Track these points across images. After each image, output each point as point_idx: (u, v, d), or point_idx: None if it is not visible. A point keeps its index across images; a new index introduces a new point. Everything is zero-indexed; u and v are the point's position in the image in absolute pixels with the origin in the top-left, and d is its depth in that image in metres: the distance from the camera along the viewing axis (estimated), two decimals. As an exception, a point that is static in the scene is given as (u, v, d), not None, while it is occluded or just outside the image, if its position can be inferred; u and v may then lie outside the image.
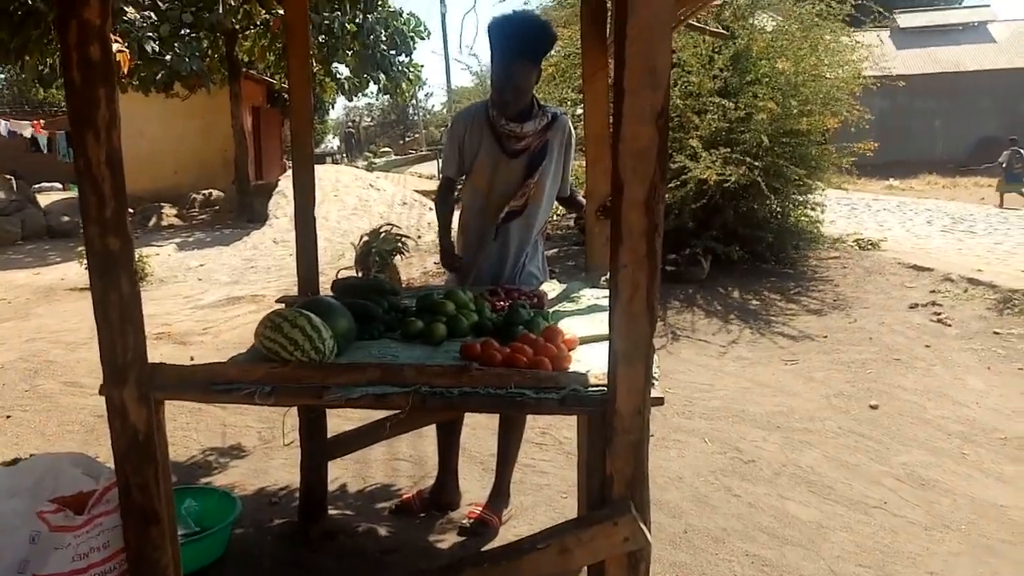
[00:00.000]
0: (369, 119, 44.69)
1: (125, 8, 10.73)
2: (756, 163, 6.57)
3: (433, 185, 17.53)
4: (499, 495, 3.10)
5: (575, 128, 3.07)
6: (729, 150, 6.57)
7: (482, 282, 2.96)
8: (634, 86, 1.53)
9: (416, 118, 41.64)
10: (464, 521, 3.02)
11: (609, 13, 2.98)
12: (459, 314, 2.34)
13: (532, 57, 2.76)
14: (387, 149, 35.04)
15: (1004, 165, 15.18)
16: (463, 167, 2.97)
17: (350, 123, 39.23)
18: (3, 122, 14.64)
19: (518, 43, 2.72)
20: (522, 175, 2.88)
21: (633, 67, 1.52)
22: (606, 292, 2.77)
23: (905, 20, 25.23)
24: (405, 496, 3.25)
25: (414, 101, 38.52)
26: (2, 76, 24.19)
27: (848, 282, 7.03)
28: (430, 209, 13.00)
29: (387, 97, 22.61)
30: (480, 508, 3.06)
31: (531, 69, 2.77)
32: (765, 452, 3.74)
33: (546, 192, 2.95)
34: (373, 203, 13.24)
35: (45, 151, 14.72)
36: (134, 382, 1.85)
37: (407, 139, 39.87)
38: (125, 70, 3.82)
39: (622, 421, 1.65)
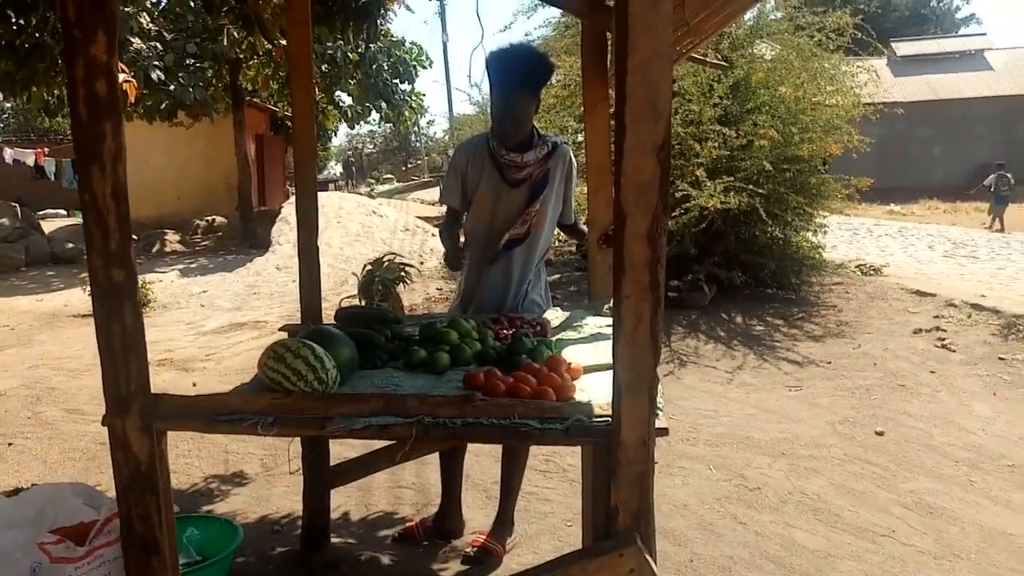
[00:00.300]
0: (372, 146, 45.02)
1: (131, 39, 10.88)
2: (759, 190, 6.60)
3: (435, 211, 17.62)
4: (503, 523, 3.07)
5: (576, 156, 3.10)
6: (732, 178, 6.60)
7: (484, 310, 2.96)
8: (635, 119, 1.54)
9: (418, 145, 41.94)
10: (468, 549, 3.00)
11: (610, 44, 3.02)
12: (462, 343, 2.34)
13: (531, 88, 2.79)
14: (389, 176, 35.24)
15: (992, 189, 15.72)
16: (467, 198, 2.99)
17: (350, 151, 39.56)
18: (8, 150, 14.76)
19: (517, 75, 2.75)
20: (524, 204, 2.90)
21: (634, 101, 1.54)
22: (609, 320, 2.77)
23: (902, 49, 25.47)
24: (408, 524, 3.23)
25: (416, 128, 38.85)
26: (8, 105, 24.45)
27: (851, 308, 7.03)
28: (432, 235, 13.03)
29: (389, 125, 22.78)
30: (484, 536, 3.03)
31: (530, 100, 2.79)
32: (771, 479, 3.72)
33: (548, 220, 2.97)
34: (376, 229, 13.28)
35: (52, 178, 14.83)
36: (137, 412, 1.85)
37: (409, 166, 40.12)
38: (132, 100, 3.85)
39: (626, 452, 1.64)
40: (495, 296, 3.00)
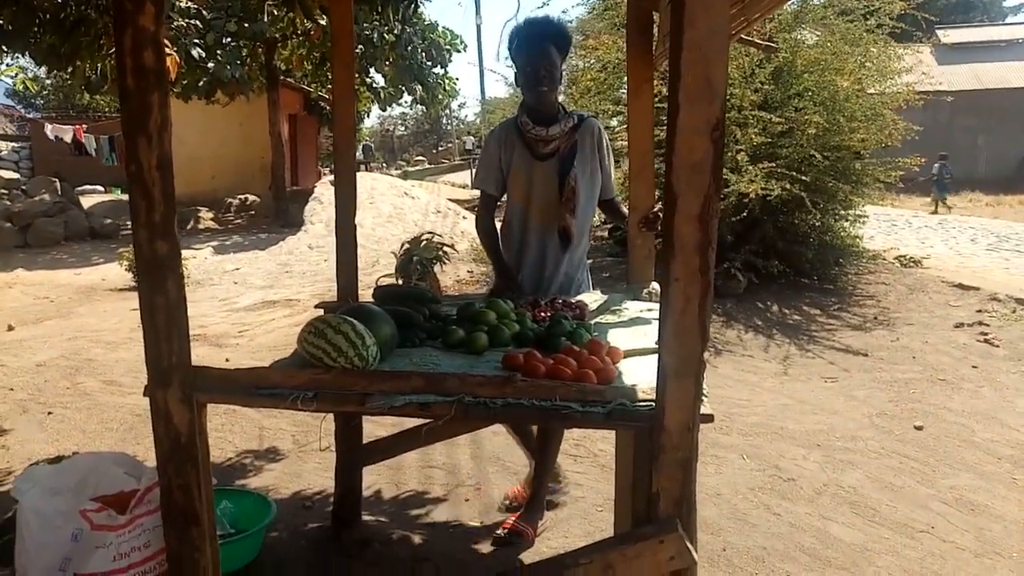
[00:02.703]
0: (403, 128, 45.11)
1: (172, 15, 10.95)
2: (803, 177, 6.47)
3: (466, 195, 17.60)
4: (534, 506, 3.07)
5: (613, 140, 3.10)
6: (774, 164, 6.49)
7: (522, 290, 2.95)
8: (690, 97, 1.50)
9: (449, 128, 41.91)
10: (498, 531, 3.00)
11: (656, 24, 2.96)
12: (500, 324, 2.32)
13: (557, 45, 2.87)
14: (421, 158, 35.31)
15: (936, 178, 17.23)
16: (503, 182, 3.04)
17: (367, 138, 39.66)
18: (48, 126, 15.05)
19: (545, 30, 2.90)
20: (556, 177, 2.93)
21: (689, 79, 1.50)
22: (648, 304, 2.75)
23: (947, 36, 24.79)
24: (513, 489, 3.29)
25: (448, 111, 38.80)
26: (49, 82, 24.83)
27: (890, 300, 6.89)
28: (464, 218, 13.03)
29: (421, 107, 22.75)
30: (515, 518, 3.03)
31: (557, 56, 2.87)
32: (805, 471, 3.66)
33: (582, 194, 2.96)
34: (407, 211, 13.31)
35: (93, 154, 15.07)
36: (178, 384, 1.86)
37: (440, 148, 40.15)
38: (173, 75, 3.87)
39: (670, 438, 1.61)
40: (533, 276, 3.01)
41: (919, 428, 4.17)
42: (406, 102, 18.35)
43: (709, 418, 1.68)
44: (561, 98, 3.07)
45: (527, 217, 2.99)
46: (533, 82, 2.86)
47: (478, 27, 37.65)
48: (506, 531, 2.97)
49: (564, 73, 2.98)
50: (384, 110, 20.09)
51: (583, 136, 2.95)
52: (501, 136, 3.02)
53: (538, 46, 2.85)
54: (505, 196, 3.09)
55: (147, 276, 1.83)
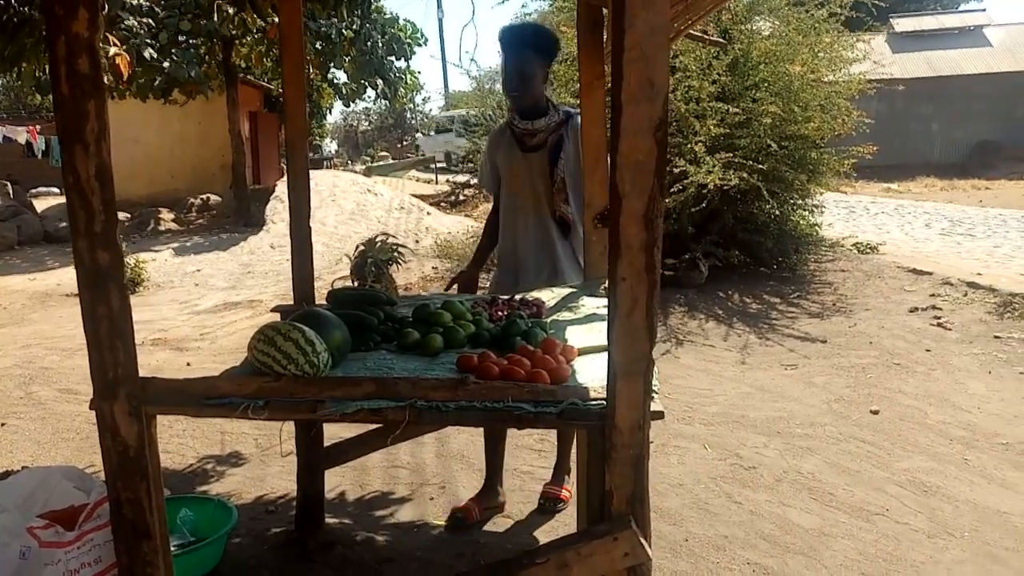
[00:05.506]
0: (367, 123, 44.69)
1: (121, 14, 10.70)
2: (760, 166, 6.54)
3: (430, 190, 17.55)
4: (559, 470, 3.35)
5: None
6: (731, 155, 6.55)
7: (528, 279, 3.12)
8: (632, 98, 1.51)
9: (414, 123, 41.61)
10: (540, 500, 3.26)
11: (606, 20, 2.96)
12: (456, 325, 2.32)
13: (535, 48, 3.01)
14: (385, 153, 35.00)
15: None
16: (498, 179, 3.25)
17: (313, 140, 39.16)
18: (-1, 128, 14.63)
19: (522, 35, 3.06)
20: (548, 168, 3.07)
21: (630, 79, 1.50)
22: (604, 300, 2.76)
23: (900, 24, 25.24)
24: (462, 505, 3.23)
25: (411, 106, 38.53)
26: (-1, 82, 24.15)
27: (847, 286, 7.01)
28: (428, 214, 12.97)
29: (385, 102, 22.55)
30: (551, 485, 3.31)
31: (534, 59, 3.00)
32: (766, 458, 3.72)
33: (569, 187, 3.09)
34: (370, 208, 13.19)
35: (40, 156, 14.70)
36: (125, 397, 1.83)
37: (404, 143, 39.85)
38: (126, 74, 3.78)
39: (621, 436, 1.63)
40: (537, 264, 3.14)
41: (875, 412, 4.26)
42: (369, 97, 18.19)
43: (659, 415, 1.70)
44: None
45: (521, 207, 3.15)
46: (506, 87, 3.11)
47: (440, 21, 37.45)
48: (544, 499, 3.22)
49: (549, 73, 3.18)
50: (348, 106, 19.91)
51: (569, 131, 3.08)
52: (492, 138, 3.30)
53: (516, 48, 3.01)
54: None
55: (89, 287, 1.80)
